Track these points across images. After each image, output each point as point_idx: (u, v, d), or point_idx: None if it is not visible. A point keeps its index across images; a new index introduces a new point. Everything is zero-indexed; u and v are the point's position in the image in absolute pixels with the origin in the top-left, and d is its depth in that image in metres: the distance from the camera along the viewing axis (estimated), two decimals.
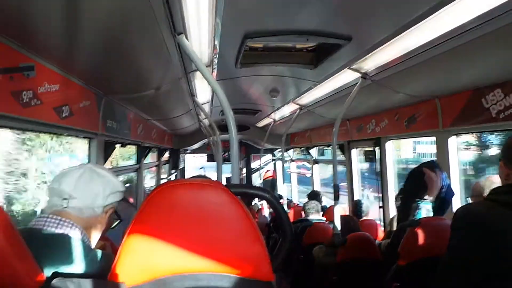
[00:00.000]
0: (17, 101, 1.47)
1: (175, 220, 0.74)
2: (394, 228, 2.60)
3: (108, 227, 1.15)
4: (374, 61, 2.14)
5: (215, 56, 2.07)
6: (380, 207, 3.71)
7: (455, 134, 2.56)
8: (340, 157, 4.52)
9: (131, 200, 4.74)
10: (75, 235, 1.00)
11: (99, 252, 1.01)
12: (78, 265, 0.93)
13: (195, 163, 8.95)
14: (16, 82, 1.45)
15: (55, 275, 0.76)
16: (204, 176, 0.83)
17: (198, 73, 2.48)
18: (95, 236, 1.10)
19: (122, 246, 0.74)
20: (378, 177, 3.70)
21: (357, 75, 2.42)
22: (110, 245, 1.45)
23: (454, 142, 2.57)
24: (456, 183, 2.58)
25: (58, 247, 0.95)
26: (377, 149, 3.67)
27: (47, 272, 0.78)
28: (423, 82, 2.43)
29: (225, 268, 0.73)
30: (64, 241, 0.98)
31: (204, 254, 0.73)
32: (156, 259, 0.73)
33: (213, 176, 6.97)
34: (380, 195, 3.69)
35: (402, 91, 2.66)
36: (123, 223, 1.29)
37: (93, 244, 1.08)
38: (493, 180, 1.89)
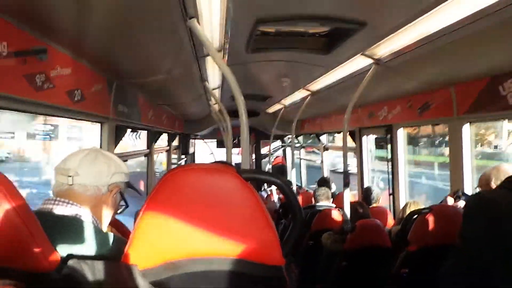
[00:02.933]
0: (30, 84, 1.48)
1: (187, 204, 0.75)
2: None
3: (113, 209, 1.14)
4: (388, 47, 2.10)
5: (226, 41, 2.06)
6: (390, 194, 3.70)
7: (469, 122, 2.51)
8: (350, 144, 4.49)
9: (142, 184, 4.80)
10: (85, 217, 1.01)
11: (111, 235, 1.02)
12: (90, 247, 0.94)
13: (205, 149, 8.98)
14: (29, 65, 1.46)
15: (70, 256, 0.77)
16: (225, 162, 0.83)
17: (209, 58, 2.47)
18: (103, 217, 1.10)
19: (135, 229, 0.75)
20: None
21: (370, 61, 2.38)
22: (121, 229, 1.46)
23: (467, 130, 2.53)
24: (468, 171, 2.55)
25: (69, 228, 0.96)
26: (388, 137, 3.63)
27: (65, 251, 0.80)
28: (438, 69, 2.38)
29: (237, 252, 0.73)
30: (74, 223, 0.98)
31: (215, 238, 0.73)
32: (169, 242, 0.73)
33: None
34: (391, 182, 3.67)
35: (416, 78, 2.61)
36: (135, 208, 1.30)
37: (103, 226, 1.09)
38: (500, 169, 1.86)
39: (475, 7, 1.44)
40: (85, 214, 1.02)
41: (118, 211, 1.20)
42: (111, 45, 1.90)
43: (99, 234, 0.99)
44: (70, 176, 1.03)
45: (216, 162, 0.87)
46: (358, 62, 2.50)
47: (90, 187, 1.06)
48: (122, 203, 1.20)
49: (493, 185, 1.80)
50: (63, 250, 0.86)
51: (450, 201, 2.25)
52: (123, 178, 1.15)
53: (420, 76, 2.58)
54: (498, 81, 2.09)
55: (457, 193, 2.27)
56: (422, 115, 2.92)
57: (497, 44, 1.77)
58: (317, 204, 3.67)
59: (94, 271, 0.69)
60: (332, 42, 2.28)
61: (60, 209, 1.00)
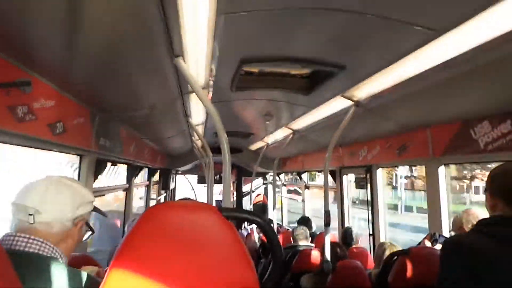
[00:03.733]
0: (12, 115, 1.47)
1: (166, 242, 0.74)
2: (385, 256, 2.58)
3: (79, 240, 1.08)
4: (366, 89, 2.19)
5: (211, 78, 2.11)
6: (370, 235, 3.70)
7: (445, 164, 2.60)
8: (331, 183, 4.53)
9: (118, 222, 4.64)
10: (46, 253, 0.95)
11: (84, 275, 0.96)
12: (59, 286, 0.88)
13: (185, 184, 8.86)
14: (12, 97, 1.45)
15: None
16: (190, 199, 0.81)
17: (193, 94, 2.51)
18: (69, 251, 1.04)
19: (111, 269, 0.72)
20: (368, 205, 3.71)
21: (350, 102, 2.47)
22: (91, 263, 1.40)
23: (443, 172, 2.61)
24: (445, 212, 2.60)
25: (29, 268, 0.89)
26: (368, 177, 3.69)
27: None
28: (414, 111, 2.49)
29: None
30: (35, 261, 0.92)
31: (195, 281, 0.71)
32: (146, 282, 0.71)
33: (203, 199, 6.90)
34: (370, 223, 3.68)
35: (394, 120, 2.71)
36: (111, 243, 1.26)
37: (64, 259, 1.01)
38: (470, 212, 1.93)
39: (448, 55, 1.54)
40: (49, 250, 0.95)
41: (83, 239, 1.14)
42: (96, 79, 1.92)
43: (68, 271, 0.93)
44: (30, 215, 0.95)
45: (182, 199, 0.87)
46: (338, 103, 2.59)
47: (54, 224, 0.98)
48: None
49: (466, 229, 1.86)
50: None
51: (427, 244, 2.28)
52: (89, 208, 1.10)
53: (398, 118, 2.68)
54: (470, 125, 2.20)
55: (434, 236, 2.30)
56: (401, 156, 3.00)
57: (468, 90, 1.88)
58: (297, 244, 3.62)
59: None
60: (313, 84, 2.37)
61: (21, 246, 0.92)
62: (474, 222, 1.26)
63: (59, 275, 0.91)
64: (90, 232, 1.15)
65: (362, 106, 2.46)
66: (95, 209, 1.15)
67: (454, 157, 2.46)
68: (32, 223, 0.95)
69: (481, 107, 2.05)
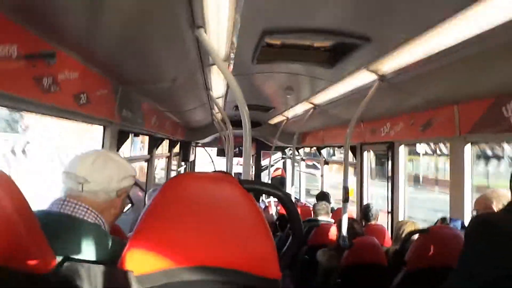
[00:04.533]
0: (38, 86, 1.50)
1: (187, 212, 0.75)
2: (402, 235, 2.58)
3: (121, 211, 1.17)
4: (392, 63, 2.11)
5: (232, 51, 2.08)
6: (388, 212, 3.68)
7: (471, 142, 2.52)
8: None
9: (140, 193, 4.78)
10: (90, 220, 1.03)
11: (110, 238, 1.03)
12: (90, 250, 0.95)
13: (204, 157, 8.98)
14: (38, 68, 1.48)
15: (67, 258, 0.77)
16: (225, 172, 0.83)
17: (214, 67, 2.49)
18: (109, 220, 1.12)
19: (133, 235, 0.74)
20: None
21: (374, 76, 2.40)
22: (118, 233, 1.46)
23: (469, 151, 2.53)
24: (469, 192, 2.54)
25: (73, 230, 0.97)
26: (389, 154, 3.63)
27: (60, 254, 0.79)
28: (442, 87, 2.39)
29: (234, 262, 0.73)
30: (79, 225, 1.00)
31: (214, 248, 0.73)
32: (166, 250, 0.73)
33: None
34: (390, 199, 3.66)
35: (419, 95, 2.62)
36: (133, 209, 1.31)
37: (106, 228, 1.10)
38: (499, 193, 1.84)
39: (481, 27, 1.45)
40: (90, 217, 1.04)
41: (124, 210, 1.22)
42: (119, 51, 1.93)
43: (101, 237, 1.01)
44: (80, 183, 1.05)
45: (216, 171, 0.88)
46: (361, 77, 2.51)
47: (100, 194, 1.07)
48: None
49: (495, 209, 1.78)
50: (65, 251, 0.86)
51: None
52: (131, 181, 1.18)
53: (424, 94, 2.59)
54: (502, 102, 2.10)
55: (445, 221, 2.27)
56: (424, 133, 2.92)
57: (502, 65, 1.78)
58: (317, 218, 3.65)
59: (90, 275, 0.69)
60: (336, 56, 2.30)
61: (67, 211, 1.02)
62: (505, 203, 1.20)
63: (101, 241, 0.99)
64: (130, 204, 1.22)
65: (386, 81, 2.38)
66: (136, 183, 1.23)
67: (481, 136, 2.38)
68: (81, 191, 1.05)
69: None
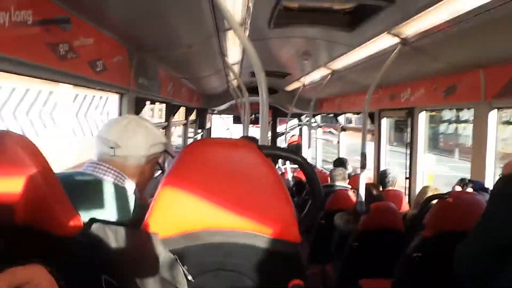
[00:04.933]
0: (54, 53, 1.49)
1: (207, 177, 0.76)
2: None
3: (150, 177, 1.19)
4: (416, 26, 2.01)
5: (248, 15, 2.01)
6: (406, 178, 3.66)
7: (497, 108, 2.42)
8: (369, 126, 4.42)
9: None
10: (120, 183, 1.06)
11: (136, 201, 1.07)
12: (116, 212, 0.99)
13: (221, 124, 9.01)
14: (52, 34, 1.47)
15: (93, 220, 0.80)
16: (252, 138, 0.83)
17: (229, 32, 2.43)
18: (139, 185, 1.15)
19: (156, 199, 0.76)
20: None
21: (396, 40, 2.30)
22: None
23: (494, 117, 2.44)
24: (492, 160, 2.48)
25: (102, 193, 1.01)
26: (409, 120, 3.55)
27: (89, 216, 0.82)
28: (467, 50, 2.28)
29: (255, 226, 0.74)
30: (109, 188, 1.03)
31: (235, 212, 0.74)
32: (188, 213, 0.75)
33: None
34: (408, 165, 3.62)
35: (443, 60, 2.51)
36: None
37: (136, 193, 1.13)
38: None
39: None
40: (120, 180, 1.07)
41: (154, 176, 1.24)
42: (133, 16, 1.90)
43: (129, 201, 1.04)
44: (112, 148, 1.07)
45: (243, 137, 0.88)
46: (383, 41, 2.41)
47: (130, 159, 1.09)
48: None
49: None
50: (94, 212, 0.91)
51: (458, 189, 2.22)
52: (161, 148, 1.19)
53: (448, 58, 2.48)
54: None
55: (464, 181, 2.24)
56: (447, 99, 2.83)
57: None
58: (334, 184, 3.66)
59: (117, 237, 0.72)
60: (357, 20, 2.20)
61: (99, 174, 1.05)
62: None
63: (126, 204, 1.03)
64: (160, 171, 1.25)
65: (409, 44, 2.28)
66: (168, 152, 1.26)
67: (508, 101, 2.29)
68: (112, 155, 1.08)
69: None
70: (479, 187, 2.16)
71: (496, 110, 2.43)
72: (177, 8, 1.85)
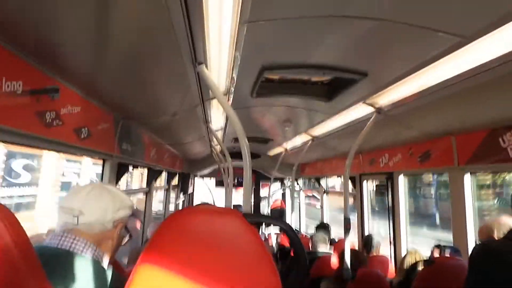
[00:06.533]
0: (41, 121, 1.52)
1: (190, 247, 0.74)
2: (407, 265, 2.53)
3: (119, 243, 1.15)
4: (389, 96, 2.16)
5: (232, 85, 2.12)
6: (390, 242, 3.62)
7: (470, 172, 2.53)
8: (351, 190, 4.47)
9: (139, 224, 4.72)
10: (89, 255, 1.02)
11: (110, 273, 1.02)
12: (89, 285, 0.94)
13: (203, 187, 8.92)
14: (41, 103, 1.50)
15: None
16: (208, 204, 0.84)
17: (214, 101, 2.53)
18: (107, 253, 1.10)
19: (135, 270, 0.73)
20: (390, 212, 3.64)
21: (372, 109, 2.44)
22: (119, 269, 1.43)
23: (469, 180, 2.54)
24: (471, 222, 2.52)
25: (72, 266, 0.96)
26: (389, 184, 3.63)
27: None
28: (438, 119, 2.43)
29: None
30: (77, 261, 0.98)
31: (218, 283, 0.72)
32: (170, 285, 0.72)
33: (221, 202, 6.90)
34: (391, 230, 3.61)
35: (417, 127, 2.66)
36: (132, 243, 1.29)
37: (105, 262, 1.09)
38: (501, 221, 1.86)
39: (475, 62, 1.50)
40: (88, 251, 1.03)
41: (123, 243, 1.20)
42: (121, 85, 1.97)
43: (100, 272, 1.00)
44: (75, 216, 1.04)
45: (198, 204, 0.89)
46: (359, 110, 2.56)
47: (95, 225, 1.06)
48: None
49: (495, 237, 1.80)
50: (64, 285, 0.85)
51: (436, 254, 2.23)
52: (128, 212, 1.16)
53: (421, 126, 2.63)
54: (498, 133, 2.14)
55: (440, 247, 2.28)
56: (423, 164, 2.94)
57: (497, 97, 1.83)
58: (316, 250, 3.58)
59: None
60: (334, 90, 2.35)
61: (65, 246, 1.01)
62: (505, 231, 1.23)
63: (100, 277, 0.99)
64: (128, 236, 1.21)
65: (383, 113, 2.43)
66: (133, 213, 1.21)
67: (479, 166, 2.39)
68: (76, 224, 1.04)
69: (511, 115, 1.99)
70: (454, 251, 2.19)
71: (469, 174, 2.53)
72: (164, 79, 1.94)
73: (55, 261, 0.94)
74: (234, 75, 1.97)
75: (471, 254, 1.18)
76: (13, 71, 1.31)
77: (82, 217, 1.04)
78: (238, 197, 7.54)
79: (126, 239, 1.22)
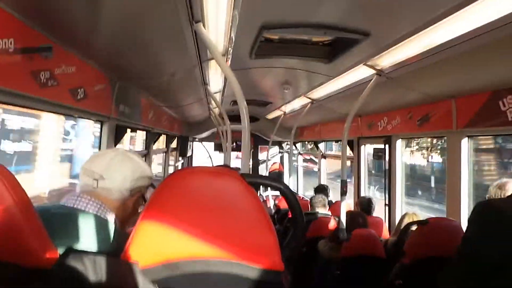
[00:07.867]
0: (35, 81, 1.49)
1: (189, 206, 0.75)
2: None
3: (134, 212, 1.17)
4: (390, 58, 2.12)
5: (230, 45, 2.07)
6: (386, 205, 3.71)
7: (468, 136, 2.53)
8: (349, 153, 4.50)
9: None
10: (102, 215, 1.04)
11: (115, 231, 1.04)
12: (94, 242, 0.96)
13: (202, 152, 8.97)
14: (34, 62, 1.47)
15: (70, 251, 0.77)
16: (228, 166, 0.84)
17: (212, 62, 2.48)
18: (122, 219, 1.12)
19: (137, 228, 0.75)
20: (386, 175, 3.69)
21: (372, 71, 2.40)
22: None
23: (466, 144, 2.55)
24: (465, 185, 2.56)
25: (75, 223, 0.98)
26: (387, 147, 3.66)
27: (68, 247, 0.80)
28: (440, 81, 2.40)
29: (237, 256, 0.74)
30: (89, 219, 1.00)
31: (216, 241, 0.74)
32: (169, 243, 0.74)
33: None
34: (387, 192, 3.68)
35: (417, 90, 2.63)
36: None
37: (110, 219, 1.10)
38: (506, 187, 1.87)
39: (479, 22, 1.46)
40: (102, 213, 1.04)
41: (139, 211, 1.21)
42: (116, 46, 1.92)
43: (108, 231, 1.01)
44: (95, 180, 1.06)
45: (219, 165, 0.89)
46: (360, 72, 2.52)
47: (114, 191, 1.08)
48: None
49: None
50: (73, 244, 0.89)
51: None
52: (147, 182, 1.18)
53: (422, 88, 2.60)
54: (499, 96, 2.11)
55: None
56: (422, 127, 2.94)
57: (499, 59, 1.79)
58: (315, 211, 3.66)
59: (95, 266, 0.69)
60: (335, 51, 2.30)
61: (80, 206, 1.02)
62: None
63: (105, 234, 1.00)
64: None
65: (384, 75, 2.39)
66: (153, 186, 1.22)
67: (478, 129, 2.39)
68: (95, 187, 1.06)
69: None
70: None
71: (467, 138, 2.53)
72: (161, 39, 1.88)
73: (67, 221, 0.97)
74: (233, 35, 1.91)
75: (473, 209, 1.18)
76: (5, 28, 1.26)
77: (102, 182, 1.06)
78: (236, 162, 7.60)
79: (142, 207, 1.24)
